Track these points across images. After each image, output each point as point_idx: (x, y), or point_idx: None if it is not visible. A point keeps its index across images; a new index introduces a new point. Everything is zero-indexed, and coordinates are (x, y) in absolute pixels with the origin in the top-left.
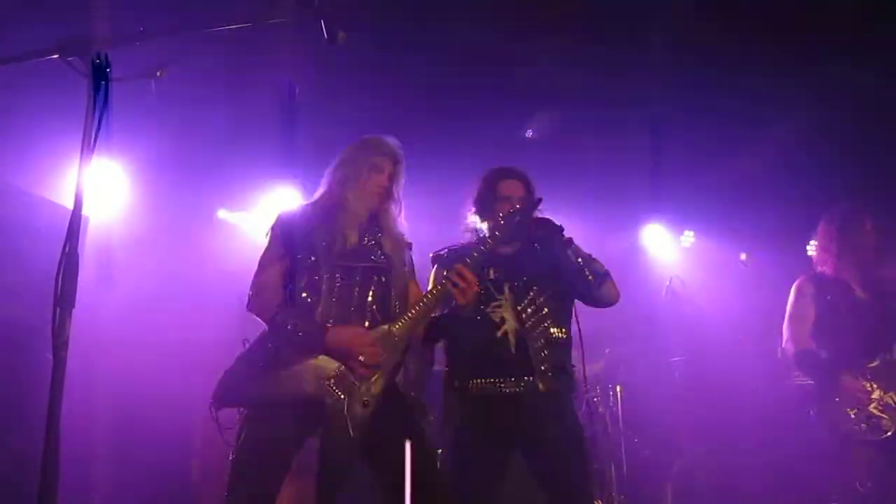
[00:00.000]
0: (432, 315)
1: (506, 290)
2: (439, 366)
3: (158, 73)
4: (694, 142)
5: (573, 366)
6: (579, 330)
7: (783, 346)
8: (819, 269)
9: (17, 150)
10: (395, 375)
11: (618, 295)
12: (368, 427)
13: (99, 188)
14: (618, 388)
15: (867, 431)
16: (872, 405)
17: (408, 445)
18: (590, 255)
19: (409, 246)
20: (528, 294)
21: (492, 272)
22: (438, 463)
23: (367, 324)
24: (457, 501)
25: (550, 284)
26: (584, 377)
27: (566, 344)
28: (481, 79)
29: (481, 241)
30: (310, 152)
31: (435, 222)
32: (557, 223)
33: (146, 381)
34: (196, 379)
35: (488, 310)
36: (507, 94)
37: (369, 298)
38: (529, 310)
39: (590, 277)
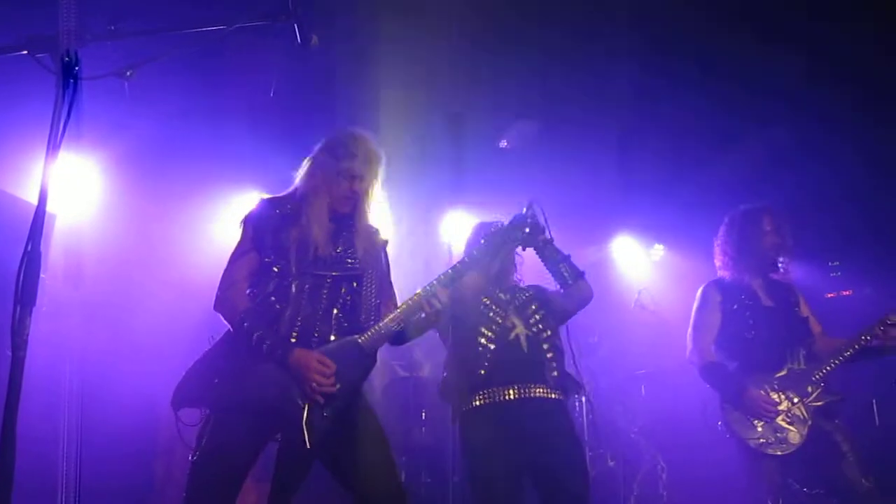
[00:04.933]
0: (402, 325)
1: (511, 300)
2: (417, 372)
3: (129, 73)
4: (664, 155)
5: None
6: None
7: (688, 356)
8: (720, 274)
9: None
10: (360, 386)
11: (591, 294)
12: (329, 436)
13: (69, 185)
14: (583, 399)
15: (776, 445)
16: (780, 417)
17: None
18: (567, 256)
19: (385, 243)
20: (532, 305)
21: (498, 292)
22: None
23: (333, 335)
24: None
25: (544, 300)
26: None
27: (564, 352)
28: (456, 89)
29: (467, 254)
30: (284, 149)
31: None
32: (538, 222)
33: (111, 379)
34: (162, 377)
35: (498, 318)
36: (482, 104)
37: (338, 308)
38: (536, 317)
39: (566, 275)
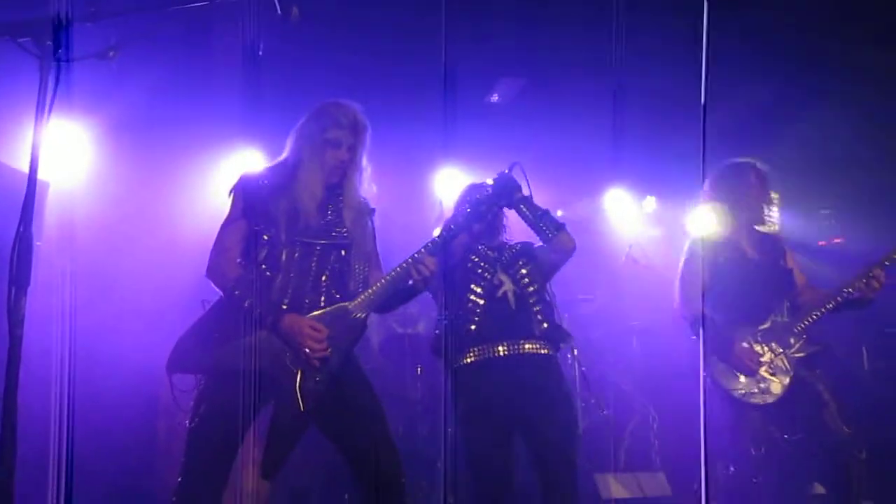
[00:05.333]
0: (403, 287)
1: (498, 257)
2: (412, 328)
3: (111, 54)
4: (657, 108)
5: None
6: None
7: (675, 307)
8: (708, 227)
9: None
10: (351, 351)
11: (573, 245)
12: (322, 400)
13: (61, 152)
14: (574, 351)
15: (758, 395)
16: (763, 368)
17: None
18: (546, 211)
19: (372, 212)
20: (519, 260)
21: (487, 250)
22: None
23: (322, 300)
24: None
25: (530, 255)
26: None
27: (552, 305)
28: (445, 44)
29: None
30: (275, 113)
31: (396, 184)
32: (516, 181)
33: (105, 344)
34: (156, 342)
35: (486, 274)
36: (472, 60)
37: (326, 275)
38: (523, 271)
39: (545, 229)
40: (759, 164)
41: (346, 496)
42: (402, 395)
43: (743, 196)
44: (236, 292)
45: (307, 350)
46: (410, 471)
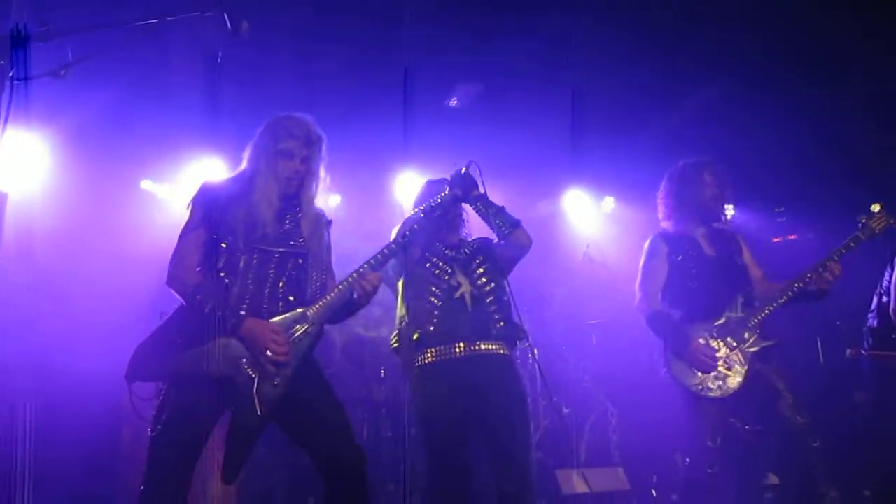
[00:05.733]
0: (348, 299)
1: (456, 256)
2: (375, 331)
3: (62, 73)
4: (616, 108)
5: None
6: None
7: (636, 305)
8: (663, 225)
9: None
10: (310, 355)
11: (529, 241)
12: (281, 403)
13: (19, 162)
14: (535, 351)
15: (715, 390)
16: (720, 363)
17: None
18: (502, 207)
19: (329, 224)
20: (476, 259)
21: (444, 249)
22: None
23: (280, 305)
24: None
25: (488, 252)
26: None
27: (509, 303)
28: (407, 46)
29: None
30: (236, 121)
31: (356, 188)
32: (472, 178)
33: (63, 354)
34: (114, 351)
35: (445, 275)
36: (431, 65)
37: (283, 282)
38: (480, 270)
39: (501, 225)
40: (714, 163)
41: (311, 500)
42: (366, 397)
43: (698, 193)
44: (197, 297)
45: (267, 353)
46: (376, 472)
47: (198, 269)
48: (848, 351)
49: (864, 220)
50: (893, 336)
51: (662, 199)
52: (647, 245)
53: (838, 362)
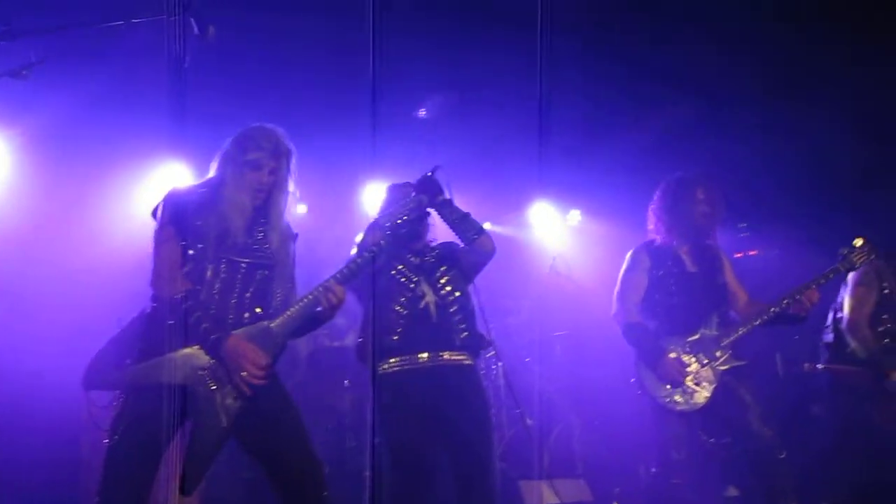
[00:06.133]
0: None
1: (421, 263)
2: (340, 341)
3: (24, 73)
4: (583, 122)
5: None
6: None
7: (612, 315)
8: (652, 238)
9: None
10: (271, 368)
11: (493, 248)
12: (242, 416)
13: None
14: (500, 363)
15: (683, 403)
16: (689, 378)
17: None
18: (467, 213)
19: (295, 237)
20: (441, 266)
21: (410, 256)
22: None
23: (246, 316)
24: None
25: (452, 259)
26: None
27: (473, 312)
28: (376, 56)
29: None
30: (202, 127)
31: (323, 198)
32: (438, 185)
33: (21, 359)
34: (72, 358)
35: (410, 284)
36: (400, 76)
37: (249, 294)
38: (444, 279)
39: (467, 231)
40: (705, 180)
41: None
42: (329, 407)
43: (689, 210)
44: (185, 304)
45: (244, 374)
46: (337, 482)
47: (181, 275)
48: (805, 365)
49: (845, 253)
50: (847, 350)
51: (654, 213)
52: (629, 255)
53: (797, 376)
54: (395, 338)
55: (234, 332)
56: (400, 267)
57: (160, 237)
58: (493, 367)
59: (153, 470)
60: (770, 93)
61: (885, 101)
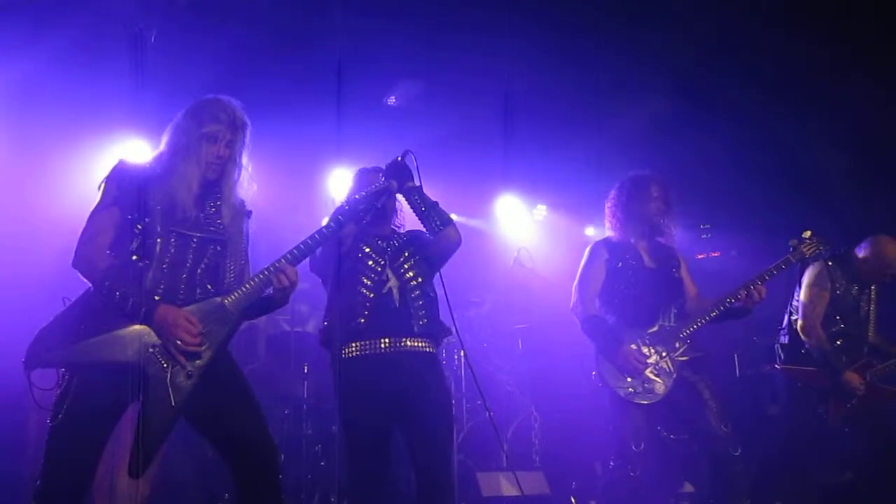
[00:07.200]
0: (265, 291)
1: (387, 247)
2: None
3: None
4: (548, 118)
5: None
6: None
7: (571, 307)
8: (608, 234)
9: None
10: (226, 346)
11: (459, 238)
12: (193, 394)
13: None
14: (463, 352)
15: (643, 394)
16: (649, 370)
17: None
18: (435, 202)
19: (249, 214)
20: (405, 251)
21: (377, 239)
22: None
23: (197, 292)
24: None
25: (418, 246)
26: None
27: (436, 299)
28: (341, 44)
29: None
30: (162, 103)
31: (287, 182)
32: (408, 170)
33: None
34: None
35: (377, 267)
36: (369, 61)
37: (201, 269)
38: (407, 265)
39: (434, 219)
40: (661, 178)
41: (227, 495)
42: (288, 393)
43: (644, 207)
44: (106, 283)
45: (179, 342)
46: (296, 469)
47: (108, 251)
48: (765, 367)
49: (794, 244)
50: (802, 351)
51: (610, 209)
52: (588, 250)
53: (753, 377)
54: (362, 320)
55: (186, 307)
56: (367, 250)
57: (94, 211)
58: (455, 357)
59: (97, 452)
60: (745, 91)
61: (862, 111)
